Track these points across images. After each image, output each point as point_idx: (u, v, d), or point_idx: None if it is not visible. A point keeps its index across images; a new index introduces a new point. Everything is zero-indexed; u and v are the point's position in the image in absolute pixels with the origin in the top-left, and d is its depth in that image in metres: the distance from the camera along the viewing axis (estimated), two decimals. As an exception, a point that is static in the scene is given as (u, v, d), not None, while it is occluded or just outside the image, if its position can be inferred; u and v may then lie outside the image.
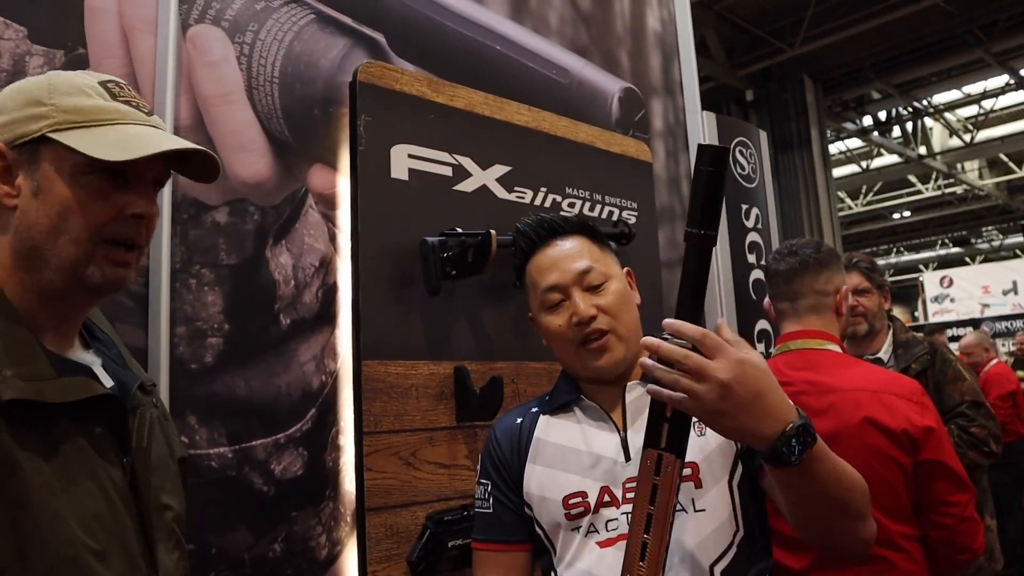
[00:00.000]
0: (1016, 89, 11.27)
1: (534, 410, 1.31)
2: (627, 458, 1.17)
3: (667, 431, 0.96)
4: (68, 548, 0.74)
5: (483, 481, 1.30)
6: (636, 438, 1.17)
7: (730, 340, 0.93)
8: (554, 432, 1.25)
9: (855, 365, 1.63)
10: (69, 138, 0.80)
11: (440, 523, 1.57)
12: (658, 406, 0.96)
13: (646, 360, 0.95)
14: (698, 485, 1.13)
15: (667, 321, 0.94)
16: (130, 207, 0.82)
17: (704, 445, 1.16)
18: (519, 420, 1.31)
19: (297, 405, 1.53)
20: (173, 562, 0.89)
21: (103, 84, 0.85)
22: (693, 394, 0.90)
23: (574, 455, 1.21)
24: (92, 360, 0.89)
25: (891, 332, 2.36)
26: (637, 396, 1.21)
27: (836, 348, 1.65)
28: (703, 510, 1.12)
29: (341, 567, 1.54)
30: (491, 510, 1.27)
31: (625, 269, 1.28)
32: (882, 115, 12.18)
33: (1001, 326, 11.80)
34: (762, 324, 2.64)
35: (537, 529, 1.23)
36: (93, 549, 0.76)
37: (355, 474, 1.54)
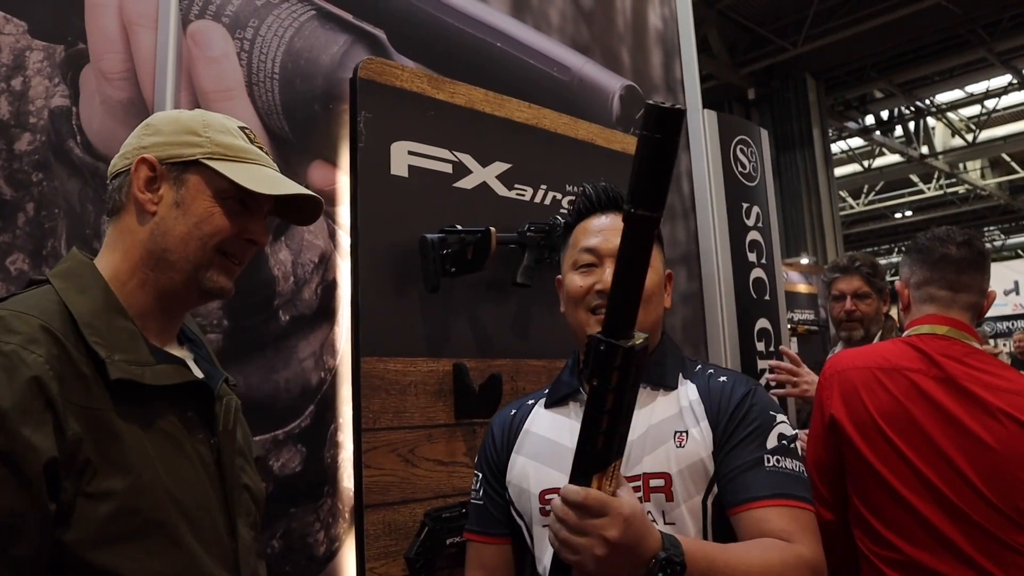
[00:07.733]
0: (1019, 89, 11.26)
1: (530, 402, 1.31)
2: None
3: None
4: (159, 512, 0.85)
5: (476, 473, 1.31)
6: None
7: (614, 493, 0.88)
8: (545, 425, 1.24)
9: (1010, 368, 1.56)
10: (221, 166, 0.95)
11: (438, 520, 1.57)
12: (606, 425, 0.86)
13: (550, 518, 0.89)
14: (669, 498, 1.10)
15: (564, 488, 0.88)
16: (249, 232, 0.98)
17: (680, 458, 1.12)
18: (513, 412, 1.31)
19: (296, 401, 1.53)
20: (251, 537, 1.00)
21: (240, 128, 1.01)
22: (576, 549, 0.86)
23: (559, 450, 1.18)
24: (186, 355, 1.01)
25: (881, 332, 2.37)
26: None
27: (979, 346, 1.56)
28: (672, 523, 1.10)
29: (339, 564, 1.54)
30: (481, 502, 1.28)
31: (667, 272, 1.25)
32: (884, 114, 12.19)
33: (1002, 326, 11.81)
34: (762, 323, 2.63)
35: (517, 520, 1.22)
36: (182, 513, 0.87)
37: (353, 471, 1.54)
